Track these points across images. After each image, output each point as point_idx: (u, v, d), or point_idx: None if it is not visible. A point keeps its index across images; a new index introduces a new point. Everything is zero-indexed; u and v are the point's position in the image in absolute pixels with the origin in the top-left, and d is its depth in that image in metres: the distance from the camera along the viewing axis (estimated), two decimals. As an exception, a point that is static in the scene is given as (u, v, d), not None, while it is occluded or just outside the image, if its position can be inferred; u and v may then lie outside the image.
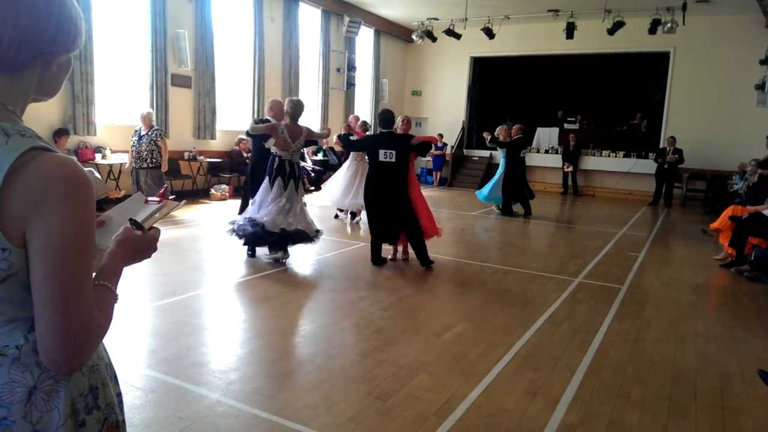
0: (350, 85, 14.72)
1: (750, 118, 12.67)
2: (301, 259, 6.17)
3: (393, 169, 5.65)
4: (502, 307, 4.63)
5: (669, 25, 11.31)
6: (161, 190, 6.75)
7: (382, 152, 5.66)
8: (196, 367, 3.17)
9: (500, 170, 10.21)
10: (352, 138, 7.23)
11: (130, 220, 1.13)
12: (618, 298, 5.09)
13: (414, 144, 5.68)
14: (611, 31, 11.98)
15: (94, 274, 1.01)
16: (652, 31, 11.78)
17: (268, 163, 5.74)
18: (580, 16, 12.49)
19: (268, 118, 6.83)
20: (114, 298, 1.03)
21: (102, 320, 0.96)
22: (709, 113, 13.50)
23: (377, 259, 5.86)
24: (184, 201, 1.54)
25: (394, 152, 5.61)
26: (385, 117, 5.85)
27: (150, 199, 1.30)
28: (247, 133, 7.05)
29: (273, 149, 5.67)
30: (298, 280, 5.35)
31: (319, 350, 3.52)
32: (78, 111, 8.37)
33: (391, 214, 5.68)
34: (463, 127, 16.70)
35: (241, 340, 3.65)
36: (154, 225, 1.18)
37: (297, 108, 5.70)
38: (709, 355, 3.79)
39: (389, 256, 6.07)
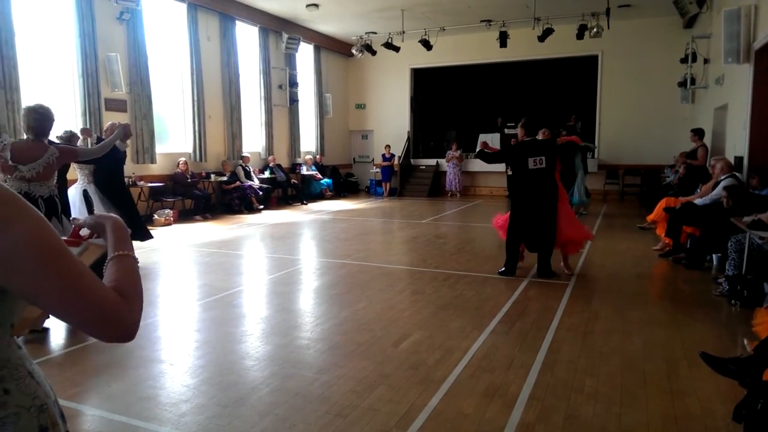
0: (293, 101, 14.64)
1: (677, 114, 13.43)
2: (251, 281, 6.04)
3: None
4: (457, 311, 4.67)
5: (595, 30, 11.86)
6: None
7: None
8: (144, 402, 3.02)
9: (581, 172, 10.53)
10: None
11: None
12: (566, 293, 5.23)
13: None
14: (541, 38, 12.46)
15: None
16: (580, 36, 12.33)
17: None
18: (511, 25, 12.93)
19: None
20: (134, 261, 1.05)
21: (129, 288, 0.97)
22: (638, 111, 14.22)
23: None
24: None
25: None
26: None
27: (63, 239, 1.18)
28: None
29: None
30: (249, 303, 5.22)
31: (274, 371, 3.43)
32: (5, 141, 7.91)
33: None
34: (408, 138, 16.89)
35: (191, 369, 3.51)
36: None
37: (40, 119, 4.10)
38: (655, 342, 3.94)
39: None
